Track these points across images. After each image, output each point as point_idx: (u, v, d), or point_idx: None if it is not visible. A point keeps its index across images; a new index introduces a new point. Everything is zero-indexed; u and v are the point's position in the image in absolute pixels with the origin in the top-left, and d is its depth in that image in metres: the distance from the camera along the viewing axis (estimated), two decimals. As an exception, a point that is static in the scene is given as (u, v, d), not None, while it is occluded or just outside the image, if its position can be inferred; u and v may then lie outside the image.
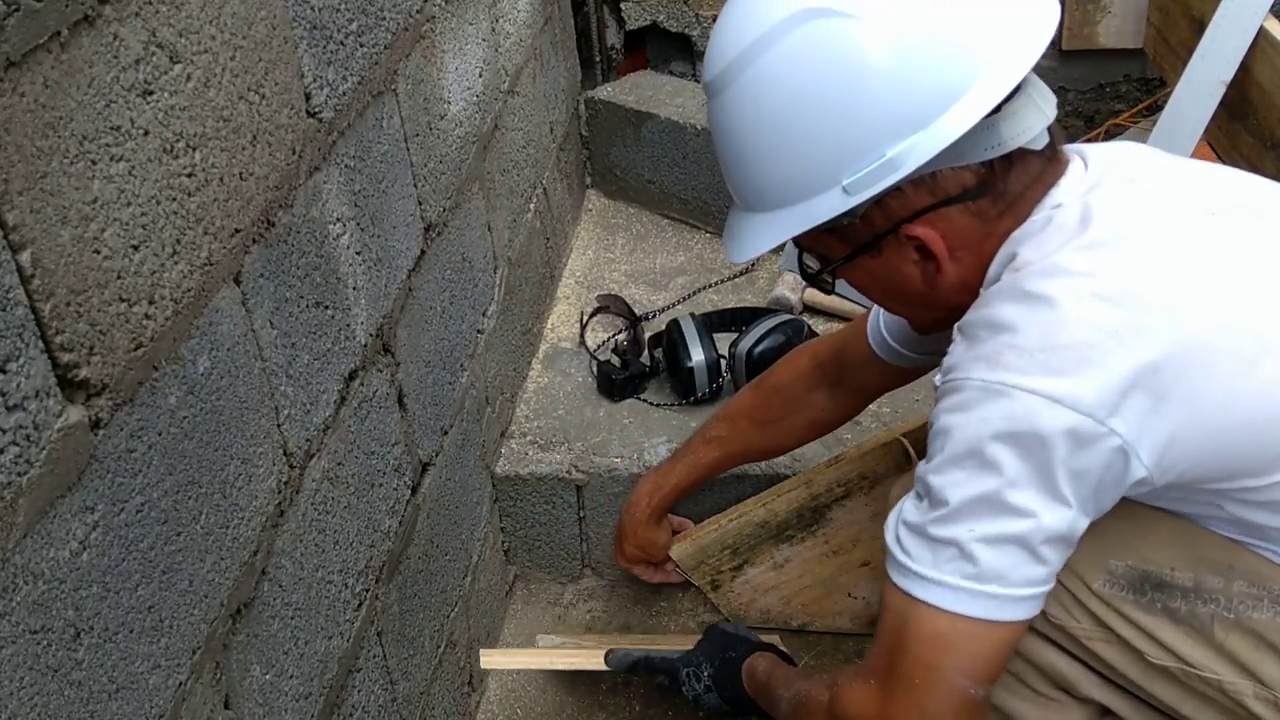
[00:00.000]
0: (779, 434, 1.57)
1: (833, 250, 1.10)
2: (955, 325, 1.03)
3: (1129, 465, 0.94)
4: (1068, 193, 1.03)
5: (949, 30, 0.97)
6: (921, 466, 1.01)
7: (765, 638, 1.55)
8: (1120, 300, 0.94)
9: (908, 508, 1.02)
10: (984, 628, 0.97)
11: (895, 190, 1.00)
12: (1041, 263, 0.98)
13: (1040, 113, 1.02)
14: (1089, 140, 2.71)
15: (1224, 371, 0.93)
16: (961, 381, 0.98)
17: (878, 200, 1.01)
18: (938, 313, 1.12)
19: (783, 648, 1.53)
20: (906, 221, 1.03)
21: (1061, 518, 0.95)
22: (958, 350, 1.01)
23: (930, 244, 1.03)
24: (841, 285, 1.18)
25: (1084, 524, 0.97)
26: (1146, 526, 1.07)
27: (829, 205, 1.02)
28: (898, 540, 1.01)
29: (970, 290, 1.05)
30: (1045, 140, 1.03)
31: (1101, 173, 1.05)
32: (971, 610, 0.97)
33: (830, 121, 0.99)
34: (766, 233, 1.07)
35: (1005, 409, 0.94)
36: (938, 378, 1.02)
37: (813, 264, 1.14)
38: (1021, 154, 1.02)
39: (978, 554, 0.95)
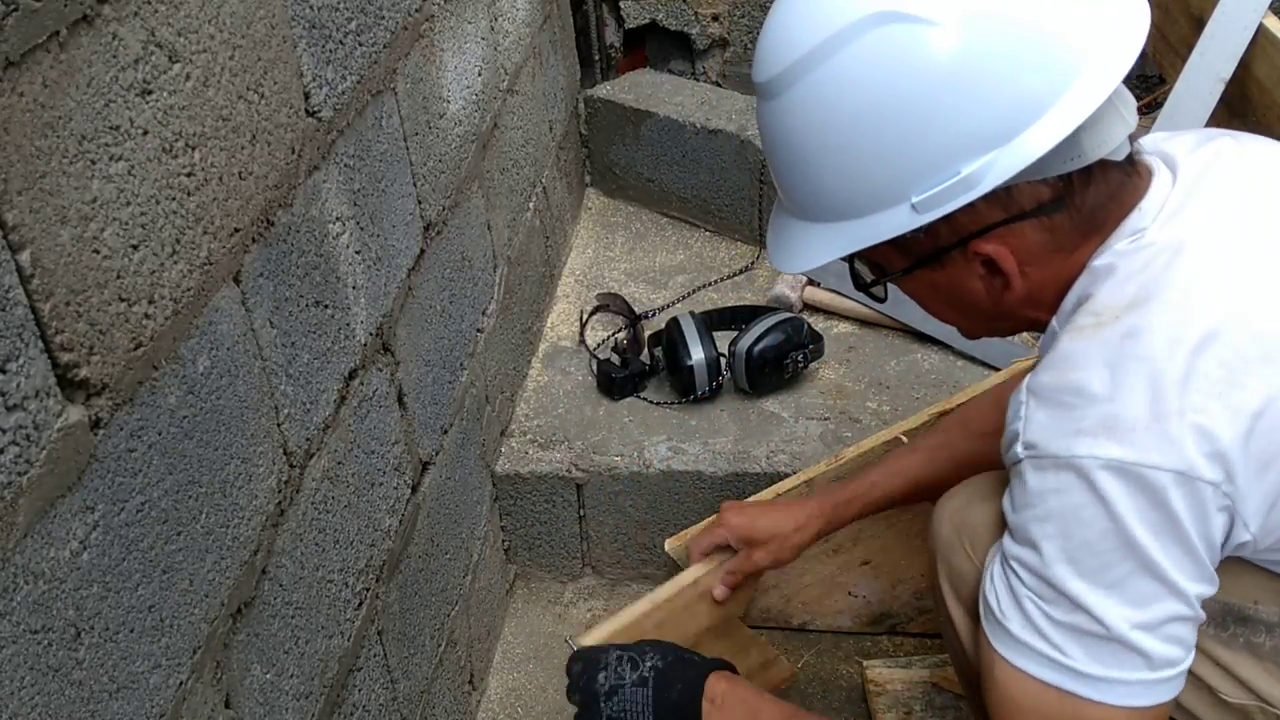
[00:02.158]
0: (994, 448, 1.41)
1: (891, 261, 1.02)
2: (1024, 385, 0.96)
3: (1234, 528, 0.90)
4: (1151, 214, 0.96)
5: (1034, 37, 0.89)
6: (1029, 555, 0.93)
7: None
8: (1219, 352, 0.88)
9: (1033, 599, 0.93)
10: (1160, 709, 0.93)
11: (966, 205, 0.93)
12: (1129, 316, 0.91)
13: (1122, 120, 0.94)
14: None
15: None
16: (1067, 459, 0.90)
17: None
18: (997, 324, 1.07)
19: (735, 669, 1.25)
20: (975, 236, 0.96)
21: (1207, 583, 0.91)
22: (1039, 419, 0.93)
23: (1000, 261, 0.96)
24: (845, 285, 1.13)
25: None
26: (1229, 559, 0.98)
27: (895, 222, 0.95)
28: (1041, 637, 0.93)
29: (1039, 305, 1.00)
30: (1126, 150, 0.96)
31: (1190, 189, 0.97)
32: (1149, 700, 0.92)
33: (901, 135, 0.92)
34: (822, 245, 1.00)
35: (1131, 488, 0.87)
36: (1018, 448, 0.94)
37: (865, 273, 1.07)
38: (1101, 165, 0.94)
39: (1145, 646, 0.90)
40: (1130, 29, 0.93)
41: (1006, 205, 0.94)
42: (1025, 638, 0.94)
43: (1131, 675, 0.91)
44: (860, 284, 1.08)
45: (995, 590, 0.97)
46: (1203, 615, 0.92)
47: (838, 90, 0.93)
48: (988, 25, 0.89)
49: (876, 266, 1.06)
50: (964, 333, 1.15)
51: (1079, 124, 0.89)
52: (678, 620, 1.38)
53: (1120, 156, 0.95)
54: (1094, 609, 0.90)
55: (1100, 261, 0.96)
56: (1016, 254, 0.96)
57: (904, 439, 1.54)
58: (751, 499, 1.64)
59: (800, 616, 1.74)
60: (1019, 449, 0.94)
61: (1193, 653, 0.93)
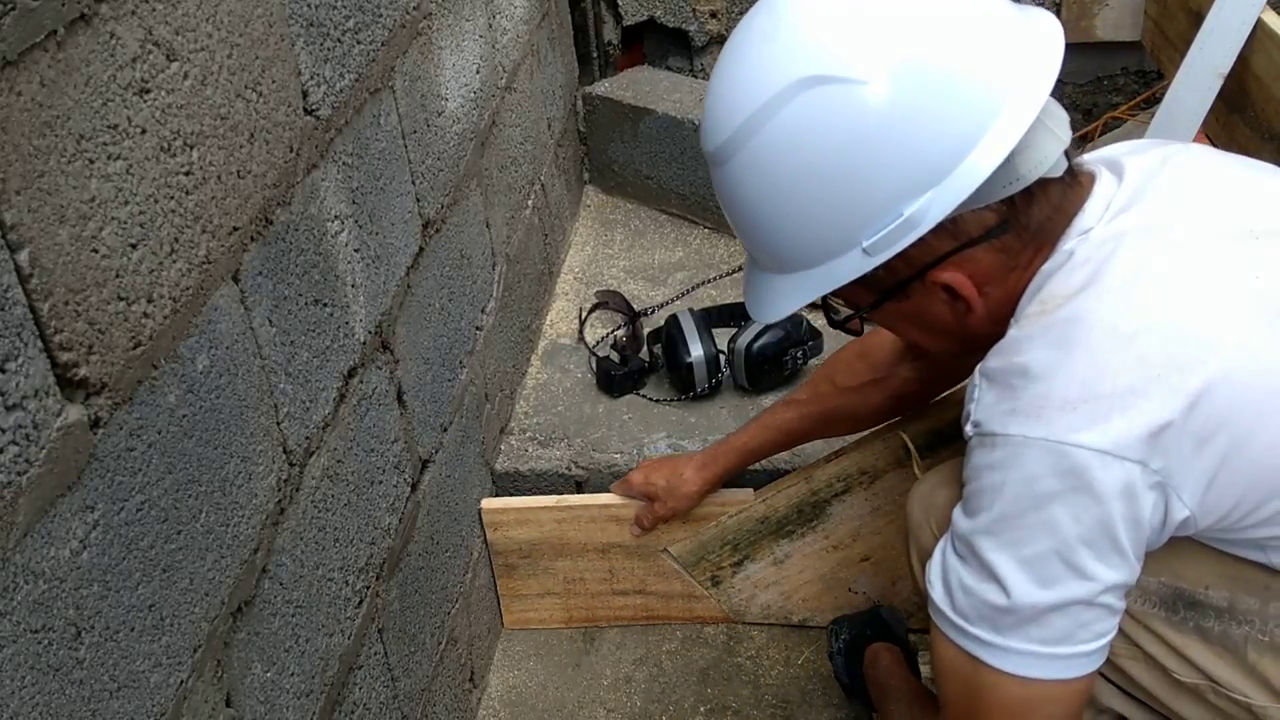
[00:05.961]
0: (860, 402, 1.50)
1: (859, 298, 1.07)
2: (977, 369, 1.00)
3: (1170, 505, 0.92)
4: (1096, 214, 0.99)
5: (955, 80, 0.93)
6: (964, 523, 0.99)
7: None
8: (1156, 339, 0.91)
9: (955, 566, 0.99)
10: (1059, 687, 0.95)
11: (917, 240, 0.97)
12: (1071, 303, 0.94)
13: (1055, 138, 0.98)
14: (1086, 134, 2.71)
15: (1270, 408, 0.90)
16: (1002, 437, 0.94)
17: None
18: (967, 344, 1.10)
19: (919, 658, 1.54)
20: (932, 267, 1.00)
21: (1124, 571, 0.93)
22: (987, 400, 0.97)
23: (959, 287, 1.00)
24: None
25: (1140, 568, 0.94)
26: (1182, 543, 1.01)
27: (850, 267, 0.99)
28: (950, 601, 0.99)
29: (1000, 321, 1.02)
30: (1064, 165, 0.99)
31: (1137, 189, 1.00)
32: (1045, 674, 0.95)
33: (841, 189, 0.96)
34: (790, 295, 1.05)
35: (1055, 466, 0.91)
36: (968, 427, 0.99)
37: (838, 308, 1.12)
38: (1041, 184, 0.98)
39: (1043, 621, 0.93)
40: (1046, 51, 0.97)
41: (955, 234, 0.98)
42: (941, 603, 1.00)
43: (1024, 646, 0.95)
44: (835, 322, 1.13)
45: (931, 560, 1.03)
46: (1119, 605, 0.95)
47: (775, 154, 0.98)
48: (911, 77, 0.93)
49: (847, 303, 1.10)
50: (942, 357, 1.21)
51: (1009, 152, 0.93)
52: (586, 529, 1.72)
53: (1059, 172, 0.99)
54: (1004, 579, 0.94)
55: (1050, 264, 1.00)
56: (974, 277, 1.01)
57: (903, 435, 1.54)
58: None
59: (800, 613, 1.74)
60: (969, 427, 0.99)
61: (1102, 639, 0.96)
